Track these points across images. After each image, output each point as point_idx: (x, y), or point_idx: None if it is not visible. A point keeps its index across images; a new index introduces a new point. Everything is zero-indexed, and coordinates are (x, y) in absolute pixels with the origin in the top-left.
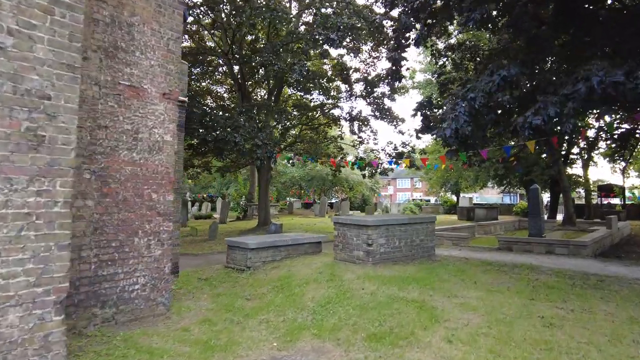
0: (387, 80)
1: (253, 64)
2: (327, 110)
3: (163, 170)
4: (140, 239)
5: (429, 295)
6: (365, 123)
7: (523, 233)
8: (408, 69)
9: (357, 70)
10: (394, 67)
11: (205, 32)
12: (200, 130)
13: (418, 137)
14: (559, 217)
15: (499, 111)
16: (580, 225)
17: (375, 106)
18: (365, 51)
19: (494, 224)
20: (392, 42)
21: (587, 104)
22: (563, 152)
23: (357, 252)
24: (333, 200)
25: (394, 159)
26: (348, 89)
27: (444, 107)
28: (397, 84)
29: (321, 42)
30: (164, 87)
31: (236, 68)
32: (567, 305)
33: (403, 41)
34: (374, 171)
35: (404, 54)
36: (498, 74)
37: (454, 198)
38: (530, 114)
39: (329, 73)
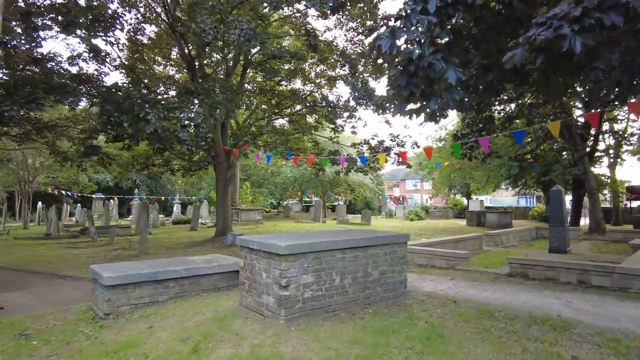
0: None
1: (184, 24)
2: (304, 96)
3: None
4: None
5: None
6: (347, 110)
7: (542, 244)
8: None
9: (334, 45)
10: None
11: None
12: (116, 114)
13: (381, 112)
14: (582, 221)
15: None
16: (613, 234)
17: (355, 91)
18: (352, 28)
19: (506, 233)
20: None
21: None
22: (587, 149)
23: (267, 298)
24: (338, 203)
25: (368, 156)
26: (324, 68)
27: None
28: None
29: None
30: None
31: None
32: None
33: None
34: (342, 170)
35: None
36: None
37: (465, 201)
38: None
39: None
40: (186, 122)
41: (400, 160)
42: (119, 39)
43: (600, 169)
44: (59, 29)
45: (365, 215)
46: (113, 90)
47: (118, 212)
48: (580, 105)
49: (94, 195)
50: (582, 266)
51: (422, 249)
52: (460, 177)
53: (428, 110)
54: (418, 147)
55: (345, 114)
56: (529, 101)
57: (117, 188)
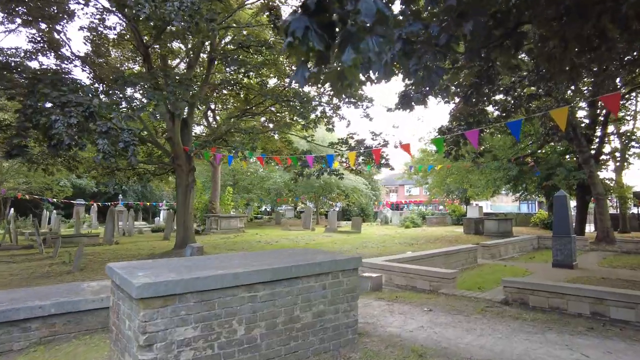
0: None
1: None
2: (279, 91)
3: None
4: None
5: None
6: (321, 104)
7: (544, 256)
8: None
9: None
10: None
11: None
12: (30, 112)
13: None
14: (587, 228)
15: None
16: (623, 244)
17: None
18: None
19: (504, 243)
20: None
21: None
22: (593, 152)
23: (129, 359)
24: (332, 209)
25: (339, 155)
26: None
27: None
28: None
29: None
30: None
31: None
32: None
33: None
34: (312, 172)
35: None
36: None
37: (464, 207)
38: None
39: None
40: (105, 128)
41: (373, 159)
42: (66, 26)
43: (606, 173)
44: None
45: (355, 222)
46: (36, 80)
47: (104, 219)
48: (584, 105)
49: (75, 202)
50: (597, 294)
51: (401, 267)
52: (456, 181)
53: (343, 62)
54: (400, 145)
55: (320, 109)
56: (526, 92)
57: (102, 194)
